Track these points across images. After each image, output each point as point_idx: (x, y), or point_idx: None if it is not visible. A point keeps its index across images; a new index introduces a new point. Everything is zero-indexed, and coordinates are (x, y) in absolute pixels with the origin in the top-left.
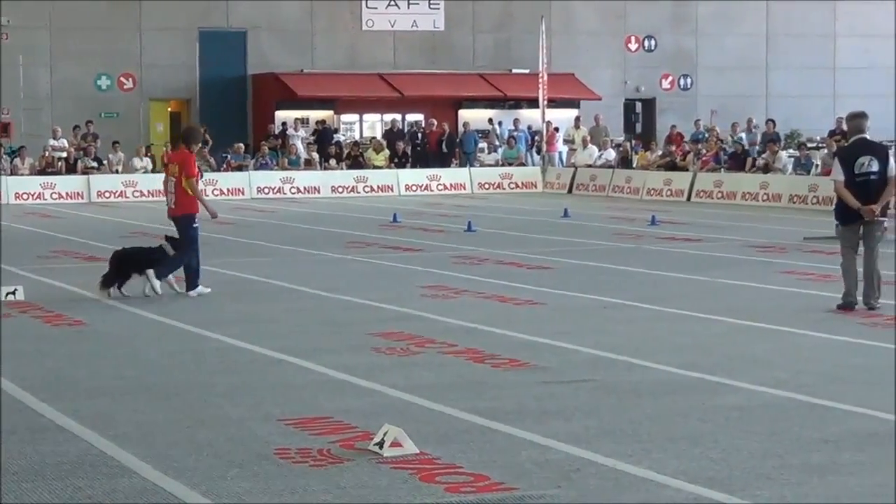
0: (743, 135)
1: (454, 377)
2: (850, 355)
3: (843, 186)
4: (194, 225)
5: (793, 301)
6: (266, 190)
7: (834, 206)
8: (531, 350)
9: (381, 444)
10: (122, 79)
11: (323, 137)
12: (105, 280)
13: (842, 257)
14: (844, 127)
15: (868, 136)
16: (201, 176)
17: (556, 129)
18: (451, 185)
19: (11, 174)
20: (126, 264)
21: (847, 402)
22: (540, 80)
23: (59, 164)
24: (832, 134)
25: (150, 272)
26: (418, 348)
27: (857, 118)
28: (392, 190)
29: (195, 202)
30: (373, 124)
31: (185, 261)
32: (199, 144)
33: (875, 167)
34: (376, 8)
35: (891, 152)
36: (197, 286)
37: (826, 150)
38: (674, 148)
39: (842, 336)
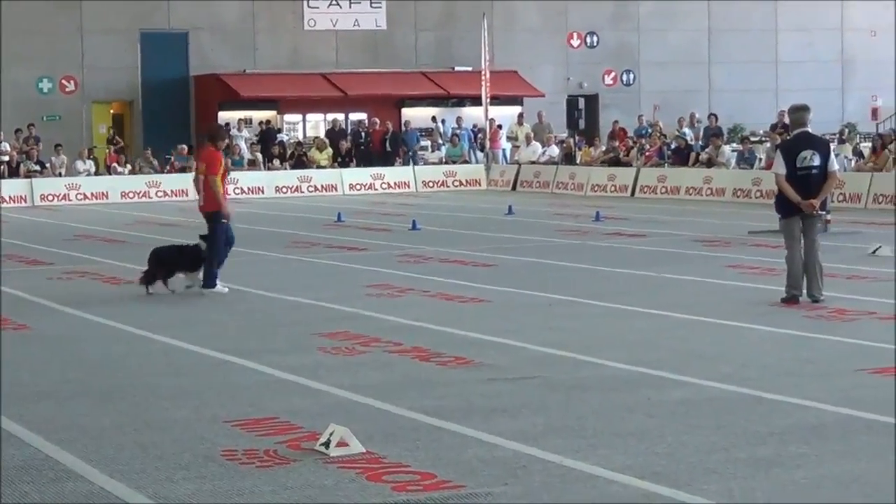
0: (686, 129)
1: (400, 376)
2: (795, 348)
3: (784, 180)
4: (221, 220)
5: (738, 295)
6: None
7: (775, 200)
8: (477, 348)
9: (327, 444)
10: (63, 81)
11: (266, 137)
12: (146, 277)
13: (786, 250)
14: (787, 120)
15: (810, 130)
16: (227, 174)
17: (500, 127)
18: (395, 183)
19: None
20: (165, 262)
21: (792, 395)
22: (482, 78)
23: (2, 168)
24: (775, 128)
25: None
26: (364, 347)
27: (800, 111)
28: (336, 189)
29: (225, 197)
30: (316, 124)
31: (220, 255)
32: (226, 141)
33: (816, 161)
34: (318, 7)
35: (833, 147)
36: (215, 285)
37: (769, 144)
38: (617, 143)
39: (787, 329)
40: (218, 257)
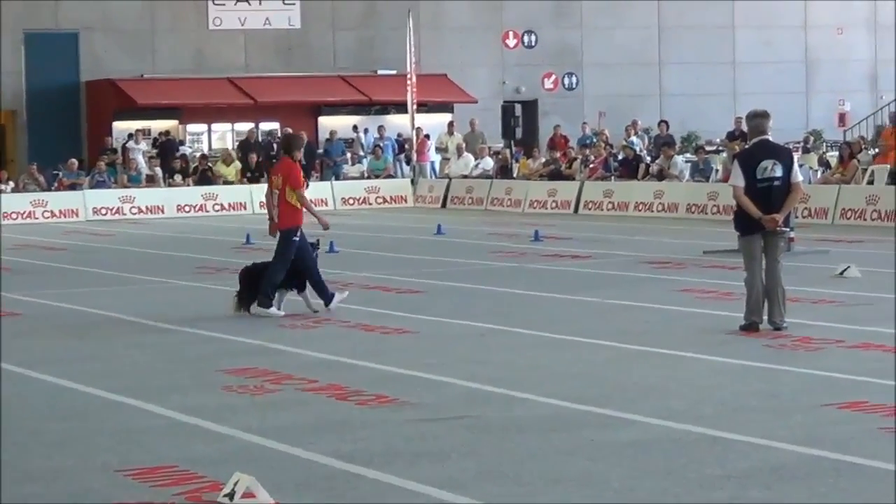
0: (634, 138)
1: (314, 417)
2: (755, 381)
3: (742, 193)
4: (294, 238)
5: (691, 322)
6: (103, 211)
7: (733, 216)
8: (400, 384)
9: (231, 496)
10: None
11: (166, 150)
12: (241, 299)
13: (745, 272)
14: (745, 128)
15: (771, 138)
16: (307, 185)
17: (427, 137)
18: (311, 200)
19: None
20: (258, 280)
21: (751, 433)
22: (408, 82)
23: None
24: (732, 136)
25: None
26: (274, 386)
27: (758, 118)
28: (245, 208)
29: (299, 214)
30: (223, 134)
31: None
32: (302, 151)
33: (778, 172)
34: (224, 5)
35: (796, 156)
36: (271, 305)
37: (726, 154)
38: (558, 154)
39: (745, 360)
40: (274, 276)
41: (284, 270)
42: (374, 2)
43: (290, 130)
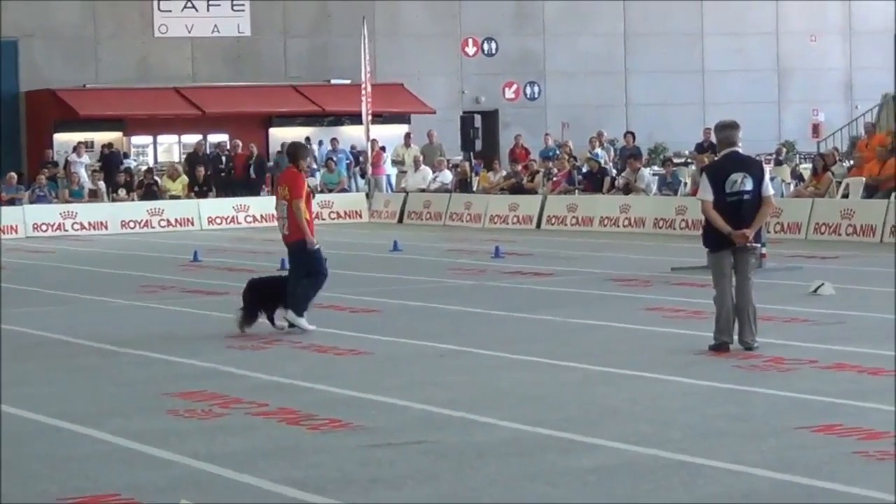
0: (599, 150)
1: (264, 442)
2: (725, 404)
3: (711, 207)
4: (315, 247)
5: (658, 342)
6: (44, 227)
7: (702, 231)
8: (355, 408)
9: None
10: None
11: (110, 163)
12: (247, 316)
13: (715, 290)
14: (714, 139)
15: (740, 150)
16: (313, 196)
17: (383, 149)
18: (261, 216)
19: None
20: (265, 295)
21: (721, 458)
22: (363, 92)
23: None
24: (701, 148)
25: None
26: (223, 409)
27: (727, 129)
28: (192, 223)
29: (312, 224)
30: (169, 147)
31: (318, 286)
32: (308, 160)
33: (748, 185)
34: (170, 11)
35: (768, 168)
36: (299, 314)
37: (695, 167)
38: (520, 167)
39: (715, 382)
40: (312, 291)
41: (323, 279)
42: (326, 7)
43: (295, 141)
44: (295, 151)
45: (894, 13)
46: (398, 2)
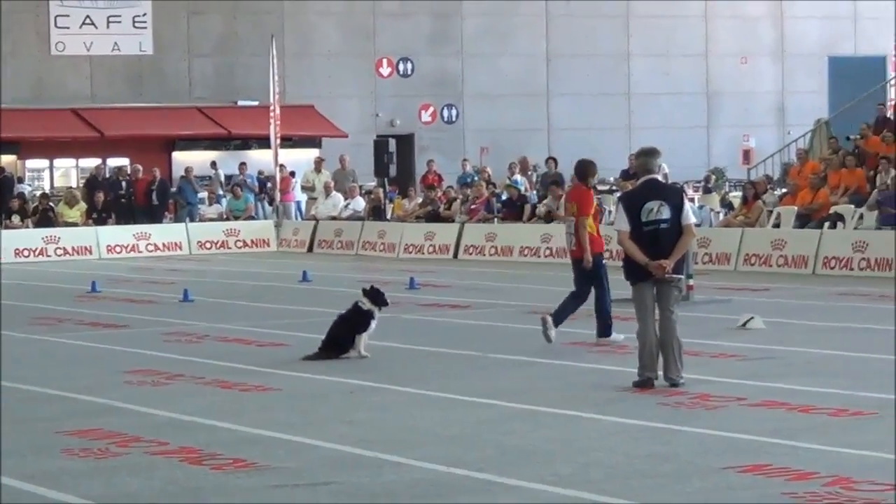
0: (519, 177)
1: (164, 483)
2: (649, 443)
3: (627, 238)
4: (603, 261)
5: (580, 378)
6: None
7: (622, 263)
8: (260, 447)
9: None
10: None
11: (3, 188)
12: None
13: (637, 324)
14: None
15: (659, 178)
16: (602, 213)
17: (293, 174)
18: (163, 244)
19: None
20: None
21: (645, 500)
22: (271, 114)
23: None
24: (627, 175)
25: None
26: (120, 448)
27: (646, 156)
28: (91, 252)
29: (600, 241)
30: (66, 171)
31: (581, 303)
32: (595, 177)
33: (665, 214)
34: (68, 28)
35: (696, 196)
36: (610, 333)
37: (620, 194)
38: (439, 194)
39: (638, 419)
40: (606, 304)
41: (608, 294)
42: (234, 25)
43: (583, 158)
44: (584, 168)
45: (827, 35)
46: (309, 19)
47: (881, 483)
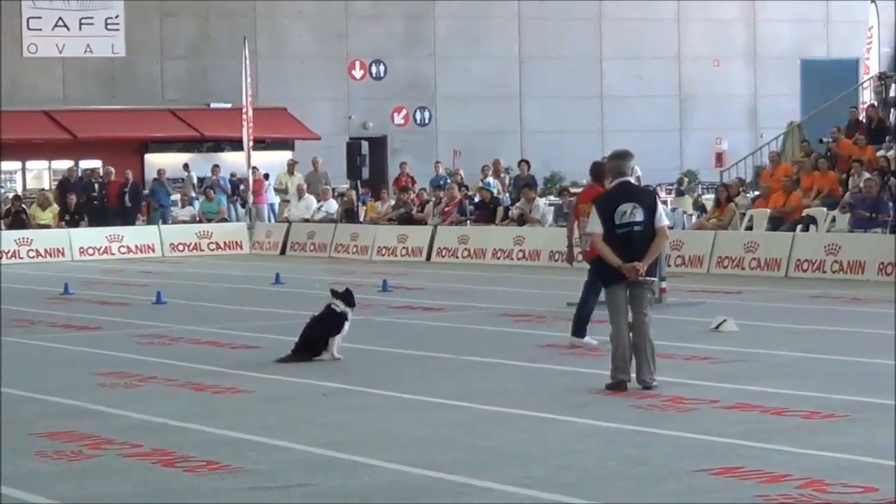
0: (491, 179)
1: (138, 485)
2: (622, 445)
3: (601, 241)
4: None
5: (553, 381)
6: None
7: (595, 266)
8: (233, 449)
9: None
10: None
11: None
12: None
13: (610, 326)
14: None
15: (632, 180)
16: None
17: (266, 177)
18: (136, 247)
19: None
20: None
21: (616, 502)
22: (244, 117)
23: None
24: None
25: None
26: (93, 451)
27: (618, 158)
28: (63, 254)
29: None
30: (39, 173)
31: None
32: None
33: (639, 216)
34: (40, 30)
35: (669, 198)
36: (585, 335)
37: (593, 197)
38: (412, 196)
39: (612, 422)
40: (589, 307)
41: (597, 297)
42: (206, 27)
43: (597, 160)
44: (599, 169)
45: (799, 38)
46: (282, 21)
47: (854, 485)
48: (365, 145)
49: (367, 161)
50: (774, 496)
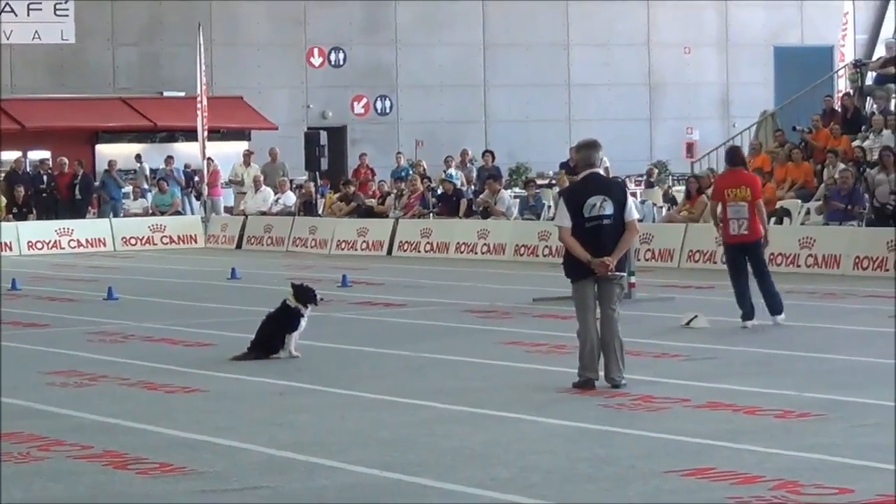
0: (454, 171)
1: (87, 488)
2: (589, 445)
3: (569, 234)
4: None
5: (518, 379)
6: None
7: (563, 260)
8: (188, 450)
9: None
10: None
11: None
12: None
13: (578, 323)
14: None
15: (601, 172)
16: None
17: (220, 168)
18: (86, 240)
19: None
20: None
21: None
22: (198, 106)
23: None
24: (567, 168)
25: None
26: (42, 453)
27: (586, 149)
28: (10, 248)
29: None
30: None
31: (769, 288)
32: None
33: (608, 210)
34: None
35: (638, 190)
36: (782, 311)
37: (559, 188)
38: (373, 189)
39: (579, 422)
40: (771, 286)
41: (769, 278)
42: (159, 12)
43: (734, 145)
44: (736, 154)
45: (772, 25)
46: (237, 6)
47: (828, 487)
48: (324, 135)
49: (326, 152)
50: (746, 497)
